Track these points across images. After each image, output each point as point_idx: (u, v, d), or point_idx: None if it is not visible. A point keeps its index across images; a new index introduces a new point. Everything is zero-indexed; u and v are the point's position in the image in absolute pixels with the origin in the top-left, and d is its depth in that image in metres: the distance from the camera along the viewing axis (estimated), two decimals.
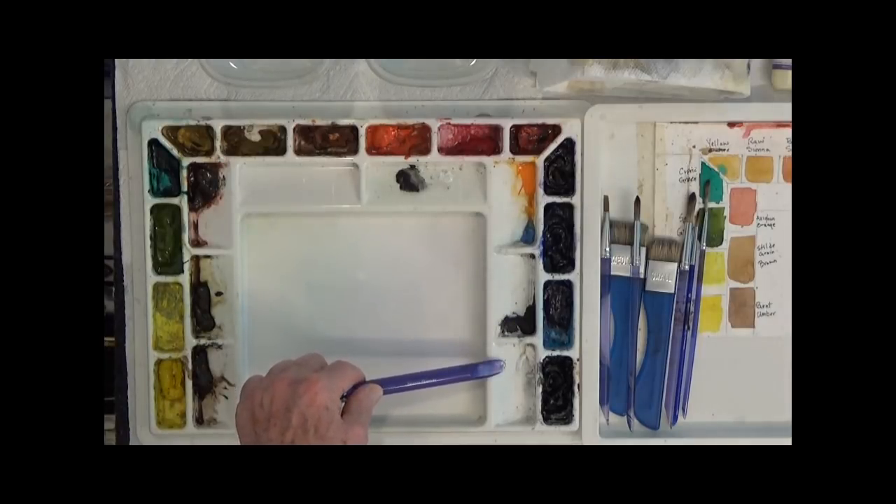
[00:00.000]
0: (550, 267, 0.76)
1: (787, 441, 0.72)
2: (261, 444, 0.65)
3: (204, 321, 0.77)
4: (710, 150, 0.77)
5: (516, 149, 0.76)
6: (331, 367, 0.69)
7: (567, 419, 0.77)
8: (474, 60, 0.76)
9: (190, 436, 0.76)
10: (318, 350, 0.75)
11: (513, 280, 0.77)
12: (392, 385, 0.71)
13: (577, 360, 0.76)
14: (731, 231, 0.78)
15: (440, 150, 0.75)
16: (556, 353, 0.76)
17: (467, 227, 0.77)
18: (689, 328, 0.77)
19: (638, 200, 0.77)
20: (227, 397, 0.77)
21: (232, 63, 0.76)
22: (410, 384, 0.72)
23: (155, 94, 0.76)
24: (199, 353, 0.77)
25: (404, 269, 0.77)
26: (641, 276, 0.77)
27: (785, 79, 0.75)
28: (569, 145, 0.76)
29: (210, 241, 0.76)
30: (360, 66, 0.76)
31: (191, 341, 0.76)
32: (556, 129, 0.75)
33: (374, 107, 0.77)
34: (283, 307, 0.77)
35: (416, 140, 0.76)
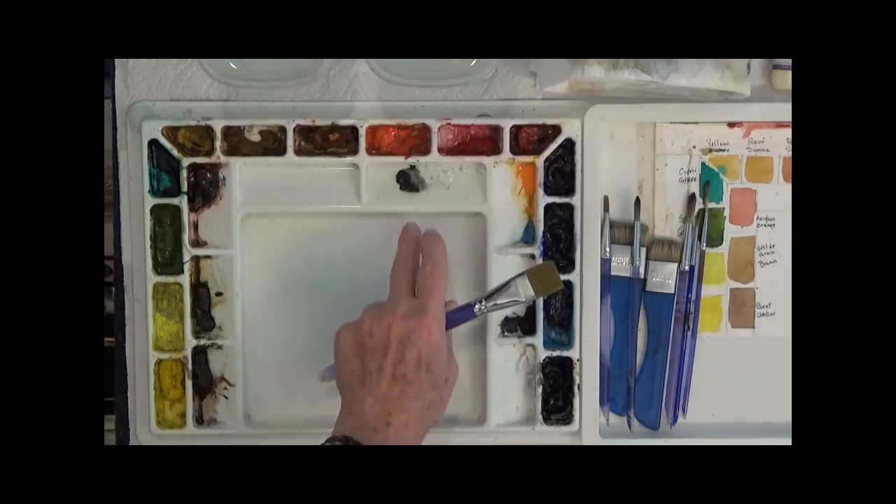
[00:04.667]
0: None
1: (787, 441, 0.72)
2: (364, 371, 0.66)
3: (204, 321, 0.77)
4: (710, 151, 0.77)
5: (516, 149, 0.76)
6: (429, 290, 0.68)
7: (567, 419, 0.77)
8: (474, 60, 0.76)
9: (190, 436, 0.76)
10: (318, 349, 0.75)
11: None
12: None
13: (577, 360, 0.76)
14: (731, 231, 0.78)
15: (440, 150, 0.75)
16: (556, 353, 0.76)
17: (467, 227, 0.77)
18: (689, 328, 0.77)
19: (638, 201, 0.77)
20: (227, 397, 0.77)
21: (232, 63, 0.76)
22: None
23: (155, 94, 0.76)
24: (200, 354, 0.77)
25: None
26: (641, 276, 0.77)
27: (785, 79, 0.75)
28: (569, 145, 0.76)
29: (210, 242, 0.76)
30: (360, 66, 0.76)
31: (191, 341, 0.76)
32: (556, 130, 0.75)
33: (374, 107, 0.77)
34: (283, 307, 0.77)
35: (416, 140, 0.76)
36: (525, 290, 0.69)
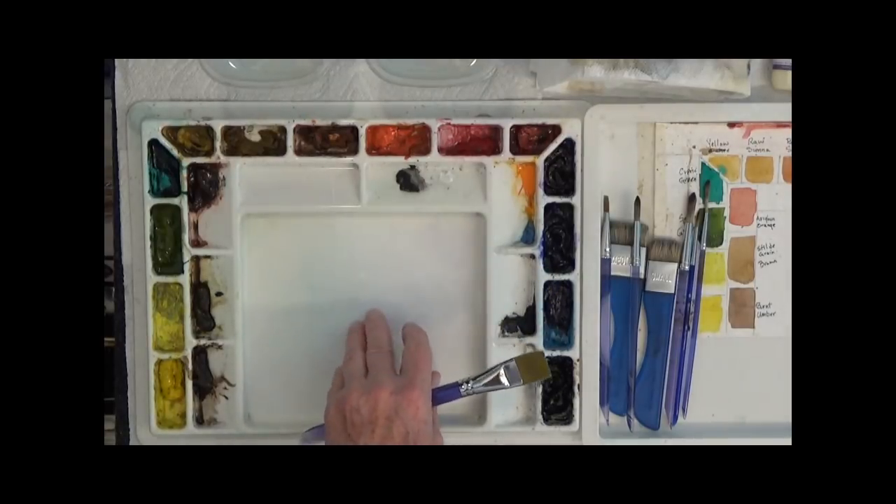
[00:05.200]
0: (550, 267, 0.76)
1: (787, 441, 0.72)
2: (352, 444, 0.65)
3: (204, 321, 0.77)
4: (710, 151, 0.77)
5: (516, 149, 0.76)
6: (415, 365, 0.68)
7: (567, 419, 0.77)
8: (474, 60, 0.76)
9: (190, 436, 0.76)
10: (318, 349, 0.75)
11: (513, 280, 0.77)
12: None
13: (577, 360, 0.76)
14: (731, 231, 0.78)
15: (440, 150, 0.75)
16: (557, 353, 0.76)
17: (467, 227, 0.77)
18: (689, 328, 0.77)
19: (638, 201, 0.77)
20: (227, 397, 0.77)
21: (232, 63, 0.76)
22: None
23: (155, 94, 0.76)
24: (200, 354, 0.77)
25: (404, 269, 0.77)
26: (641, 276, 0.77)
27: (785, 79, 0.75)
28: (569, 145, 0.76)
29: (210, 242, 0.76)
30: (360, 66, 0.76)
31: (191, 341, 0.76)
32: (556, 130, 0.75)
33: (374, 107, 0.76)
34: (283, 307, 0.77)
35: (416, 140, 0.76)
36: (512, 376, 0.69)
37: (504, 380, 0.69)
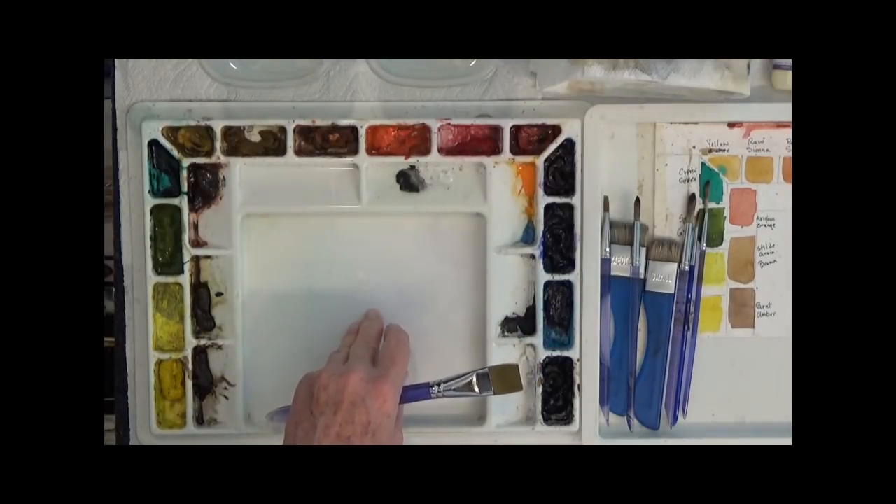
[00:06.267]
0: (550, 267, 0.76)
1: (787, 441, 0.72)
2: (311, 425, 0.65)
3: (204, 321, 0.77)
4: (710, 151, 0.77)
5: (516, 149, 0.76)
6: (392, 360, 0.68)
7: (567, 419, 0.77)
8: (474, 61, 0.76)
9: (190, 436, 0.76)
10: (317, 349, 0.75)
11: (513, 280, 0.77)
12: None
13: (578, 360, 0.76)
14: (731, 231, 0.78)
15: (440, 150, 0.75)
16: (557, 353, 0.76)
17: (467, 227, 0.77)
18: (689, 328, 0.77)
19: (638, 201, 0.77)
20: (227, 397, 0.77)
21: (232, 63, 0.76)
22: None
23: (155, 94, 0.76)
24: (200, 354, 0.77)
25: (404, 269, 0.77)
26: (641, 276, 0.77)
27: (785, 79, 0.75)
28: (569, 145, 0.76)
29: (210, 242, 0.76)
30: (360, 66, 0.76)
31: (191, 342, 0.76)
32: (556, 130, 0.75)
33: (374, 107, 0.77)
34: (283, 307, 0.77)
35: (416, 140, 0.76)
36: (483, 385, 0.69)
37: (475, 388, 0.69)
